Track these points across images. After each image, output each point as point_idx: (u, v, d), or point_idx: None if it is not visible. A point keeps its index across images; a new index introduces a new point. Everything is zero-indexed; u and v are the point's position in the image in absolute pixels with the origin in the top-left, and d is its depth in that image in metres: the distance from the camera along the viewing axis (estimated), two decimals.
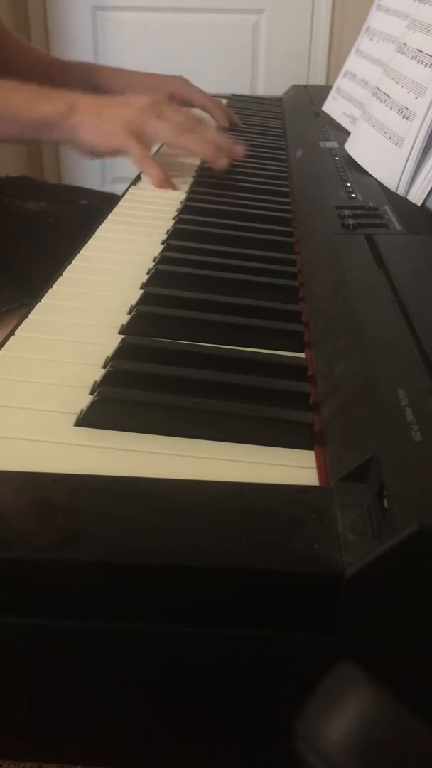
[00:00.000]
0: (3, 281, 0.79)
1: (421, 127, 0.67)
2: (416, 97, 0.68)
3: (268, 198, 0.77)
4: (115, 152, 0.80)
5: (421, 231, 0.60)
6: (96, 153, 0.81)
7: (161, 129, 0.80)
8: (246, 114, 1.23)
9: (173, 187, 0.82)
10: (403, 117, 0.70)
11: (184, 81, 1.13)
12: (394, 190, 0.69)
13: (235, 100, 1.34)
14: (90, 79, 1.12)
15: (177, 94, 1.10)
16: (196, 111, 1.07)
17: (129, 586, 0.28)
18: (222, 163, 0.83)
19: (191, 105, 1.12)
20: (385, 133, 0.73)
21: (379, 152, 0.74)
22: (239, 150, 0.87)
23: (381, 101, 0.77)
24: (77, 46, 2.29)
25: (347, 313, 0.45)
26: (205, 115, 1.10)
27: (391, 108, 0.74)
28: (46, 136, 0.83)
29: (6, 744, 0.34)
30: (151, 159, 0.81)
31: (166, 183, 0.81)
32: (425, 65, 0.69)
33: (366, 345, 0.41)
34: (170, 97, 1.07)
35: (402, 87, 0.73)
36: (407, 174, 0.68)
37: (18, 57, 1.13)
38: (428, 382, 0.36)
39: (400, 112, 0.71)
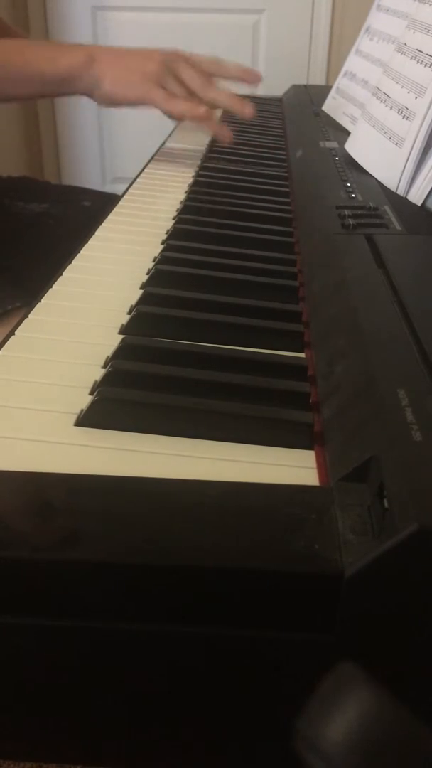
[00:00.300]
0: (4, 282, 0.79)
1: (421, 127, 0.67)
2: (416, 97, 0.68)
3: (268, 198, 0.77)
4: (135, 102, 0.82)
5: (421, 231, 0.60)
6: (116, 103, 0.82)
7: (177, 91, 0.81)
8: None
9: (212, 126, 0.84)
10: (403, 117, 0.70)
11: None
12: (394, 190, 0.69)
13: None
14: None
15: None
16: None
17: (129, 586, 0.28)
18: (249, 111, 0.85)
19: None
20: (385, 133, 0.73)
21: (379, 152, 0.74)
22: (249, 110, 0.88)
23: (381, 101, 0.77)
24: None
25: (347, 313, 0.45)
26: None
27: (391, 108, 0.74)
28: (67, 89, 0.84)
29: (6, 744, 0.34)
30: (176, 98, 0.82)
31: (207, 114, 0.82)
32: (425, 65, 0.69)
33: (366, 345, 0.41)
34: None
35: (402, 87, 0.73)
36: (407, 174, 0.68)
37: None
38: (428, 382, 0.36)
39: (400, 112, 0.71)
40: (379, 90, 0.78)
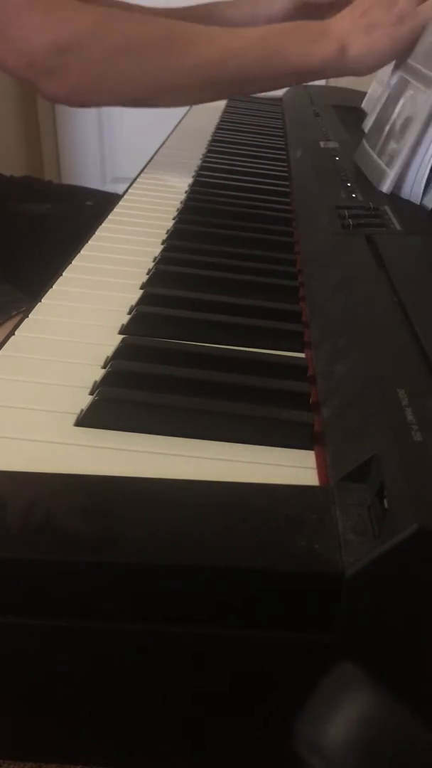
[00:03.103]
0: (8, 285, 0.79)
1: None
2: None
3: (268, 198, 0.77)
4: (399, 54, 0.77)
5: (421, 231, 0.60)
6: (381, 66, 0.79)
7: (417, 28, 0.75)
8: (246, 114, 1.23)
9: None
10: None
11: None
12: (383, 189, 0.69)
13: (235, 100, 1.34)
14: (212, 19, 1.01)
15: None
16: None
17: (128, 586, 0.28)
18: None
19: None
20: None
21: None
22: None
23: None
24: None
25: (347, 313, 0.45)
26: None
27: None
28: (321, 77, 0.80)
29: (6, 744, 0.34)
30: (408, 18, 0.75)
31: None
32: None
33: (366, 345, 0.41)
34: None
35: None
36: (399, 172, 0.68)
37: None
38: (428, 382, 0.36)
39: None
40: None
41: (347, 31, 0.76)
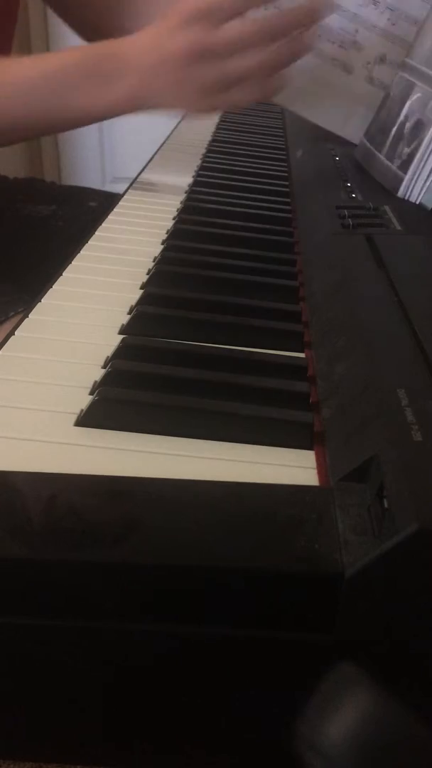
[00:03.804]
0: (10, 285, 0.79)
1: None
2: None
3: (268, 198, 0.77)
4: (207, 115, 0.72)
5: (421, 231, 0.60)
6: (162, 114, 0.70)
7: (235, 99, 0.66)
8: (246, 114, 1.23)
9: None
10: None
11: None
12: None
13: None
14: None
15: None
16: None
17: (127, 586, 0.28)
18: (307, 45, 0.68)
19: None
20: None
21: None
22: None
23: None
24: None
25: (347, 313, 0.45)
26: None
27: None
28: (111, 117, 0.70)
29: (6, 744, 0.34)
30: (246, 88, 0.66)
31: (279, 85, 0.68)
32: None
33: (366, 345, 0.41)
34: None
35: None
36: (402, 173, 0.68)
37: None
38: (428, 382, 0.36)
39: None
40: None
41: (146, 67, 0.65)
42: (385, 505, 0.29)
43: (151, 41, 0.66)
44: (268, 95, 0.69)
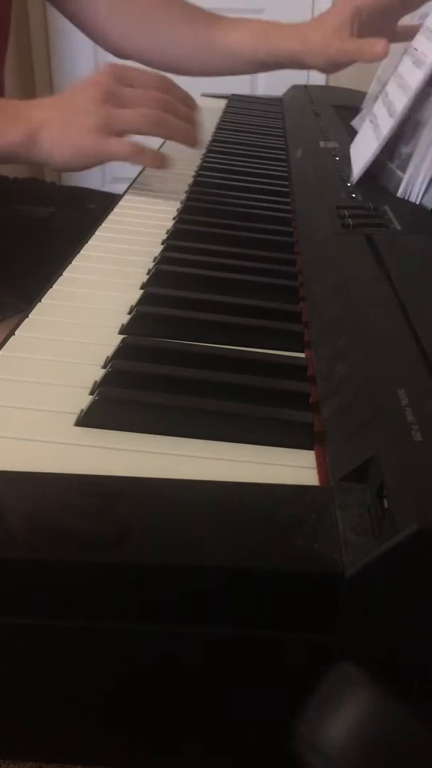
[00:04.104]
0: (6, 287, 0.79)
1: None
2: (402, 95, 0.69)
3: (268, 198, 0.77)
4: (97, 162, 0.73)
5: (421, 231, 0.60)
6: (78, 169, 0.74)
7: (129, 120, 0.71)
8: (246, 114, 1.23)
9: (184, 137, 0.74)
10: (390, 114, 0.70)
11: None
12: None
13: (235, 100, 1.34)
14: (260, 40, 1.00)
15: (363, 9, 0.93)
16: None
17: (127, 586, 0.28)
18: (196, 144, 0.76)
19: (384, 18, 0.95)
20: (374, 128, 0.74)
21: (364, 146, 0.74)
22: (200, 141, 0.78)
23: (380, 98, 0.77)
24: (77, 46, 2.29)
25: (347, 313, 0.45)
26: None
27: (383, 105, 0.74)
28: (11, 162, 0.75)
29: (6, 744, 0.34)
30: (139, 148, 0.72)
31: (166, 161, 0.74)
32: (416, 65, 0.69)
33: (366, 345, 0.41)
34: (354, 22, 0.91)
35: (396, 85, 0.73)
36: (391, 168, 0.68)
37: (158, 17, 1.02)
38: (428, 382, 0.36)
39: (388, 108, 0.72)
40: (386, 95, 0.79)
41: (41, 109, 0.70)
42: (385, 505, 0.29)
43: (59, 101, 0.73)
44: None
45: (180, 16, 1.04)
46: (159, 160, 0.74)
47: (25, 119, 0.71)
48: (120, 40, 1.07)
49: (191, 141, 0.77)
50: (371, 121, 0.78)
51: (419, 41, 0.74)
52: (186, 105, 0.78)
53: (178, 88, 0.79)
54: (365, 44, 0.89)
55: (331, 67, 0.95)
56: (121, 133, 0.72)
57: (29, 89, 2.53)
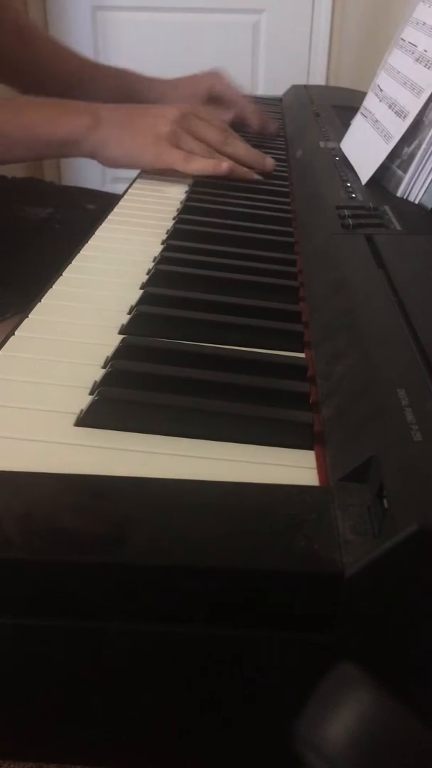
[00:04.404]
0: (7, 287, 0.79)
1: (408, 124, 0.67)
2: (414, 97, 0.69)
3: (268, 198, 0.77)
4: (149, 166, 0.78)
5: (421, 231, 0.60)
6: (128, 166, 0.79)
7: (195, 148, 0.78)
8: None
9: (245, 175, 0.80)
10: (397, 114, 0.70)
11: (217, 77, 1.11)
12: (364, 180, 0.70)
13: None
14: (124, 87, 1.10)
15: (215, 92, 1.09)
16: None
17: (127, 587, 0.28)
18: (270, 164, 0.83)
19: (225, 104, 1.10)
20: (377, 128, 0.74)
21: (366, 146, 0.74)
22: (269, 163, 0.85)
23: (377, 96, 0.77)
24: (77, 46, 2.28)
25: (347, 313, 0.45)
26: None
27: (388, 105, 0.74)
28: (70, 153, 0.80)
29: (6, 744, 0.34)
30: (195, 157, 0.78)
31: (229, 169, 0.79)
32: (427, 66, 0.69)
33: (366, 345, 0.41)
34: (207, 98, 1.08)
35: (400, 85, 0.73)
36: (395, 169, 0.68)
37: (45, 55, 1.11)
38: (428, 382, 0.36)
39: (393, 108, 0.72)
40: (377, 86, 0.79)
41: (108, 108, 0.77)
42: (385, 505, 0.29)
43: (126, 107, 0.81)
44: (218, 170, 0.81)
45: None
46: (226, 167, 0.79)
47: (93, 111, 0.77)
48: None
49: (242, 177, 0.81)
50: (364, 116, 0.78)
51: (410, 33, 0.74)
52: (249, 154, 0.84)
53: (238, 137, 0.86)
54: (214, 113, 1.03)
55: None
56: (182, 149, 0.78)
57: None
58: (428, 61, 0.69)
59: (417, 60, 0.71)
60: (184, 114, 0.79)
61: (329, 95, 1.25)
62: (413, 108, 0.68)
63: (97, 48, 2.32)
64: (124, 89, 1.11)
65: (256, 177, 0.81)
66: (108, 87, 1.11)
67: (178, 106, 0.80)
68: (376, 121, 0.75)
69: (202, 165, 0.79)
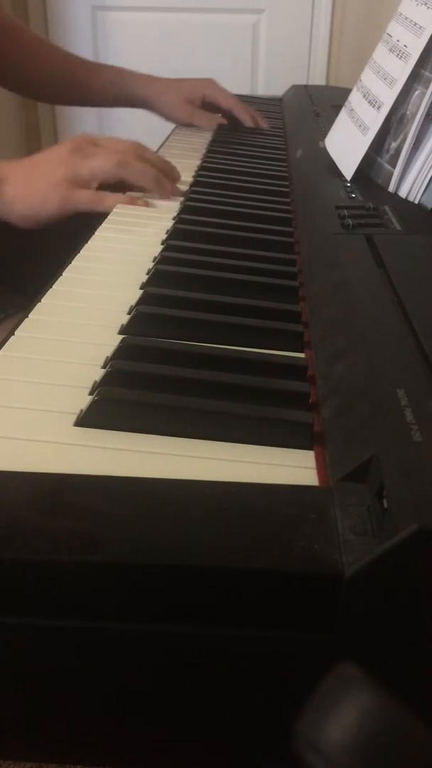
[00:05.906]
0: (7, 287, 0.78)
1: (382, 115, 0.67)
2: (388, 88, 0.69)
3: (268, 198, 0.77)
4: (61, 216, 0.74)
5: (421, 231, 0.60)
6: (39, 222, 0.74)
7: (94, 166, 0.73)
8: None
9: (145, 203, 0.76)
10: (372, 106, 0.70)
11: (213, 83, 1.17)
12: (348, 176, 0.70)
13: None
14: (119, 85, 1.12)
15: (207, 96, 1.16)
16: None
17: (127, 587, 0.28)
18: (166, 193, 0.77)
19: (219, 107, 1.17)
20: (354, 120, 0.74)
21: (346, 139, 0.74)
22: (177, 175, 0.81)
23: (358, 89, 0.78)
24: (77, 46, 2.29)
25: (347, 313, 0.45)
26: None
27: (363, 96, 0.74)
28: None
29: (6, 744, 0.34)
30: (104, 195, 0.74)
31: (135, 201, 0.76)
32: (400, 57, 0.69)
33: (366, 345, 0.41)
34: (203, 103, 1.15)
35: (377, 77, 0.73)
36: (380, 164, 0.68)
37: (39, 55, 1.12)
38: (428, 382, 0.36)
39: (368, 100, 0.72)
40: (360, 81, 0.79)
41: (8, 167, 0.73)
42: (385, 505, 0.29)
43: (26, 161, 0.77)
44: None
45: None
46: (124, 200, 0.75)
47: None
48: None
49: (160, 188, 0.77)
50: (345, 107, 0.78)
51: (393, 27, 0.74)
52: (161, 162, 0.80)
53: (152, 152, 0.82)
54: (213, 118, 1.15)
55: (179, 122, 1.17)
56: (87, 184, 0.74)
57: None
58: (401, 51, 0.69)
59: (390, 50, 0.71)
60: (77, 147, 0.74)
61: (329, 95, 1.24)
62: (387, 99, 0.67)
63: (97, 48, 2.32)
64: (119, 88, 1.12)
65: (168, 192, 0.78)
66: (103, 86, 1.12)
67: (70, 140, 0.76)
68: (352, 110, 0.75)
69: (111, 202, 0.74)
